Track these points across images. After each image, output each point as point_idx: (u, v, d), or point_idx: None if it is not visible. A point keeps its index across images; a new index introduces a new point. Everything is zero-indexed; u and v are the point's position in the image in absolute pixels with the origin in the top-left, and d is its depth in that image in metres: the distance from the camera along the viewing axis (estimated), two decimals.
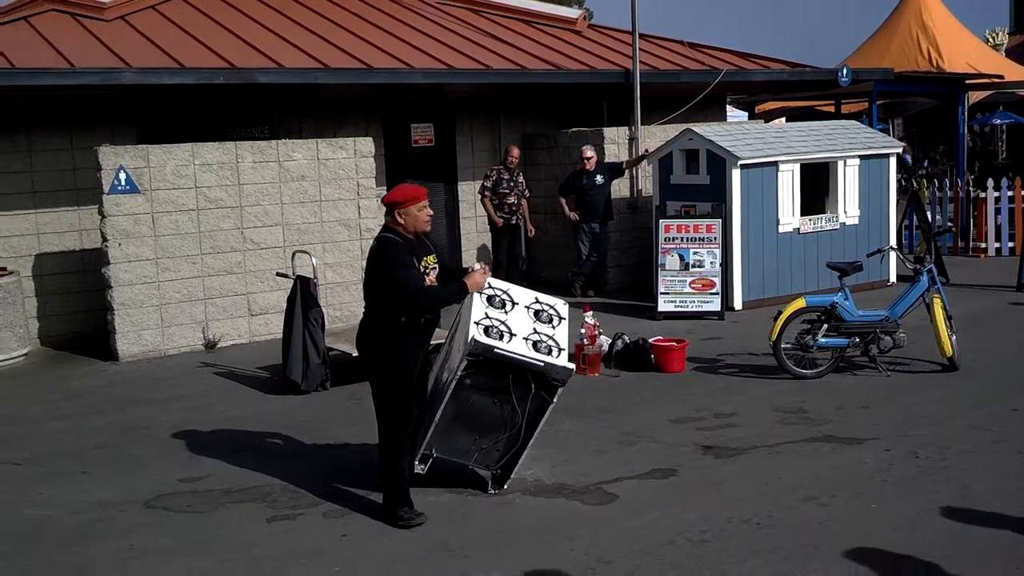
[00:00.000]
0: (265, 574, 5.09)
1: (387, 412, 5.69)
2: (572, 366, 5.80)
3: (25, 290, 10.81)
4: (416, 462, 5.93)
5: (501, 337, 5.62)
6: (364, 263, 11.67)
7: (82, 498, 6.29)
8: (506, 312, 5.84)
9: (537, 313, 5.98)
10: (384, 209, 5.78)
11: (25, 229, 11.10)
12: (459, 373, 5.63)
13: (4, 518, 6.02)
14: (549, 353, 5.70)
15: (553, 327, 5.93)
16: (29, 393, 9.12)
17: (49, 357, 10.63)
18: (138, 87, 10.53)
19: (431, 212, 5.78)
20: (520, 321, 5.83)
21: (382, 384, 5.71)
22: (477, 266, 5.95)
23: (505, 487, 6.04)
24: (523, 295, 6.12)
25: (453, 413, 5.78)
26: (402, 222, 5.65)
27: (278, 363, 8.96)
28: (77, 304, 11.37)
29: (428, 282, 5.71)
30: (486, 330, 5.61)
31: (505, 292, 6.01)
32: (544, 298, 6.17)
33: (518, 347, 5.64)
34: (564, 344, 5.86)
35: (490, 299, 5.87)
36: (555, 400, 5.81)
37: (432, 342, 6.10)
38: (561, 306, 6.18)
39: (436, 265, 5.82)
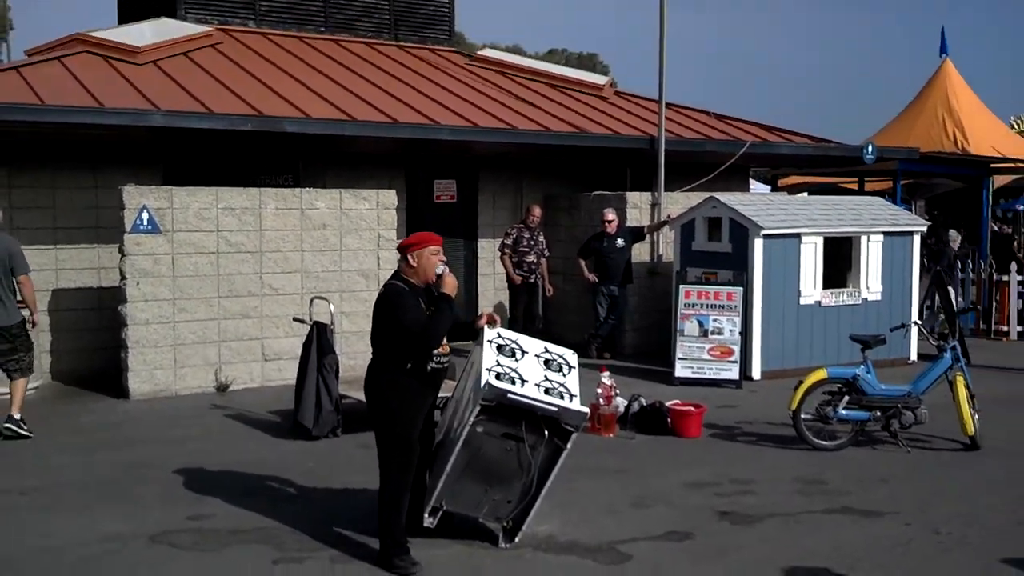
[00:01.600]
0: None
1: (389, 460, 5.62)
2: (586, 410, 5.75)
3: (39, 325, 10.76)
4: (425, 515, 5.82)
5: (513, 383, 5.55)
6: None
7: (88, 531, 6.18)
8: (517, 360, 5.79)
9: (547, 362, 5.93)
10: (399, 257, 5.75)
11: (44, 264, 11.11)
12: (471, 420, 5.54)
13: (9, 548, 5.91)
14: (562, 398, 5.63)
15: (564, 375, 5.87)
16: (38, 426, 9.00)
17: (60, 391, 10.57)
18: (166, 130, 10.63)
19: (444, 259, 5.73)
20: (531, 369, 5.78)
21: (386, 431, 5.64)
22: (441, 271, 5.69)
23: (516, 540, 5.91)
24: (532, 344, 6.08)
25: (464, 463, 5.68)
26: (414, 264, 5.61)
27: (290, 408, 8.87)
28: (90, 341, 11.34)
29: None
30: (498, 376, 5.54)
31: (514, 341, 5.98)
32: (553, 348, 6.13)
33: (531, 392, 5.57)
34: (576, 391, 5.78)
35: (500, 348, 5.82)
36: (568, 446, 5.71)
37: (440, 395, 6.02)
38: (570, 355, 6.12)
39: None
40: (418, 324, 5.47)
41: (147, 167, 11.73)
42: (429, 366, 5.63)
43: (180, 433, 8.78)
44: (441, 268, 5.71)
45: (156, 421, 9.26)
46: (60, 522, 6.35)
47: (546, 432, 5.64)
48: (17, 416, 8.62)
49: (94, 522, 6.35)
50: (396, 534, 5.58)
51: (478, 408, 5.52)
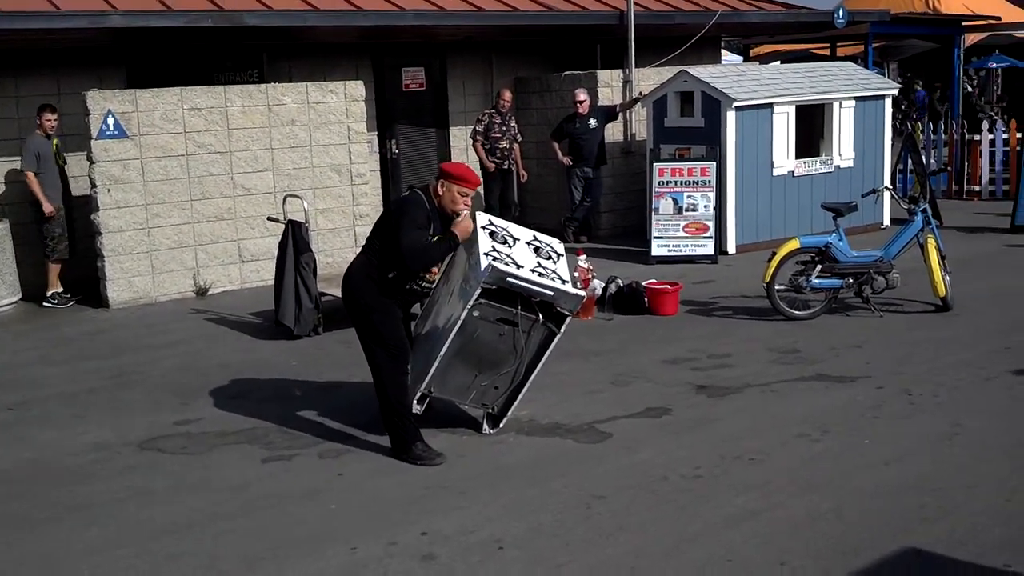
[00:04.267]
0: (262, 512, 5.10)
1: (374, 352, 5.70)
2: (583, 293, 5.85)
3: (13, 238, 10.70)
4: (413, 402, 5.92)
5: (509, 268, 5.62)
6: (355, 209, 11.62)
7: (77, 440, 6.29)
8: (510, 247, 5.84)
9: (537, 249, 5.99)
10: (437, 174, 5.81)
11: (12, 177, 10.97)
12: (471, 303, 5.60)
13: (1, 463, 6.01)
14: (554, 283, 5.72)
15: (554, 262, 5.94)
16: (20, 340, 9.09)
17: (37, 305, 10.56)
18: (125, 30, 10.38)
19: (469, 204, 5.75)
20: (524, 255, 5.84)
21: (364, 326, 5.74)
22: (462, 214, 5.83)
23: (500, 427, 6.05)
24: (522, 232, 6.14)
25: (456, 349, 5.75)
26: (440, 193, 5.67)
27: (270, 309, 8.92)
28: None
29: None
30: (495, 260, 5.60)
31: (505, 229, 6.03)
32: (541, 236, 6.20)
33: (528, 276, 5.65)
34: (567, 277, 5.88)
35: (492, 234, 5.86)
36: (562, 331, 5.81)
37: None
38: (557, 244, 6.20)
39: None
40: (412, 242, 5.50)
41: (110, 71, 11.49)
42: (409, 285, 5.76)
43: (162, 339, 8.85)
44: (464, 211, 5.74)
45: (138, 329, 9.33)
46: (50, 434, 6.45)
47: (540, 316, 5.75)
48: (48, 293, 10.37)
49: (83, 432, 6.45)
50: (405, 425, 5.66)
51: (479, 291, 5.57)
